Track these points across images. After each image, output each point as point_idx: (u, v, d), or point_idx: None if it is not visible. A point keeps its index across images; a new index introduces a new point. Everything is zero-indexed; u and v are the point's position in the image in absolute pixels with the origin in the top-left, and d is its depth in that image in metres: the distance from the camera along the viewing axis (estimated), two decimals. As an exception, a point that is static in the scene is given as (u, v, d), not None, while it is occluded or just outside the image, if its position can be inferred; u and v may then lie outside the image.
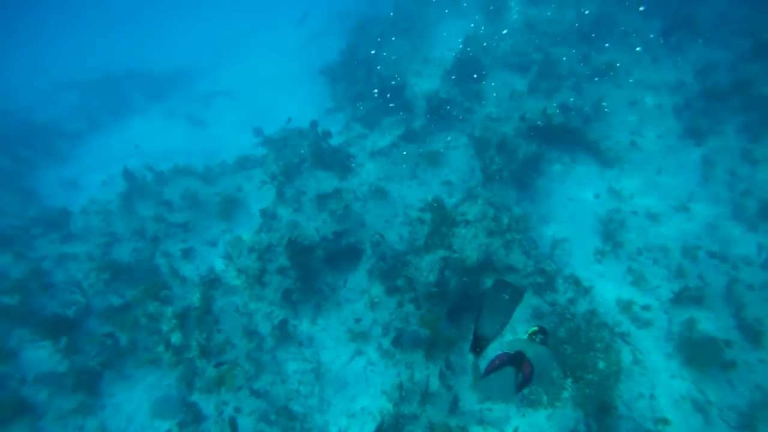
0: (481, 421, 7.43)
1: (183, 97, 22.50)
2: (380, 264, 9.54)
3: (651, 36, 14.95)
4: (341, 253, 10.09)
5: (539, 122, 11.76)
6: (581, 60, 14.24)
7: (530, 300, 8.77)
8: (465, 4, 18.31)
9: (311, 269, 9.76)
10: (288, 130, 13.36)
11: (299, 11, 23.26)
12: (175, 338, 9.05)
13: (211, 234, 11.55)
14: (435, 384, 7.86)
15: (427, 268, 8.86)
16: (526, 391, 7.43)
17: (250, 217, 11.81)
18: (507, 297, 5.34)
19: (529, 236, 9.75)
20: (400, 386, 7.88)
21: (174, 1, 41.48)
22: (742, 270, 9.12)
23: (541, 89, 13.52)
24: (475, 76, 14.60)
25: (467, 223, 9.33)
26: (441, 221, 9.52)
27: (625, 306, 8.75)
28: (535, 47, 14.82)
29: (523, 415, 7.50)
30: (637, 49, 13.60)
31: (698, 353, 7.78)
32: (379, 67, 16.28)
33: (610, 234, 10.23)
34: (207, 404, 8.24)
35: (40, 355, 9.44)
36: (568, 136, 12.12)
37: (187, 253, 11.05)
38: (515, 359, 5.06)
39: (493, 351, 5.38)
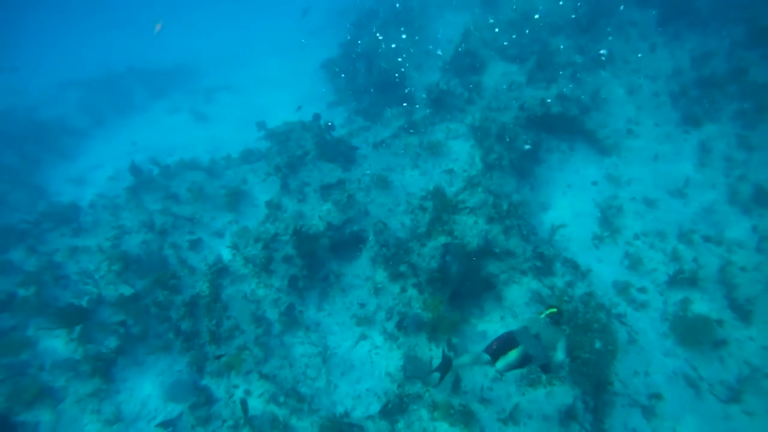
0: (483, 400, 7.71)
1: (186, 92, 22.74)
2: (383, 251, 9.81)
3: (648, 25, 15.08)
4: (345, 242, 10.37)
5: (538, 111, 11.97)
6: (579, 50, 14.41)
7: (530, 284, 9.03)
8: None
9: (316, 257, 10.04)
10: (291, 123, 13.59)
11: (300, 7, 23.38)
12: (185, 325, 9.37)
13: (218, 225, 11.83)
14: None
15: (429, 254, 9.14)
16: (525, 370, 7.73)
17: (256, 209, 12.09)
18: None
19: (528, 222, 10.01)
20: (404, 368, 8.17)
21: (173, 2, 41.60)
22: (735, 253, 9.37)
23: (540, 79, 13.70)
24: (476, 66, 14.80)
25: (468, 210, 9.59)
26: (442, 209, 9.78)
27: (622, 288, 9.01)
28: (533, 38, 14.99)
29: (523, 394, 7.78)
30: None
31: (692, 332, 8.05)
32: (379, 61, 16.48)
33: (608, 220, 10.48)
34: (218, 388, 8.56)
35: (56, 344, 9.77)
36: (566, 125, 12.34)
37: (195, 244, 11.33)
38: (506, 341, 5.50)
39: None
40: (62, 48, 37.04)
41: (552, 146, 12.27)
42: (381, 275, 9.64)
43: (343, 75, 17.53)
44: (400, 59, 16.56)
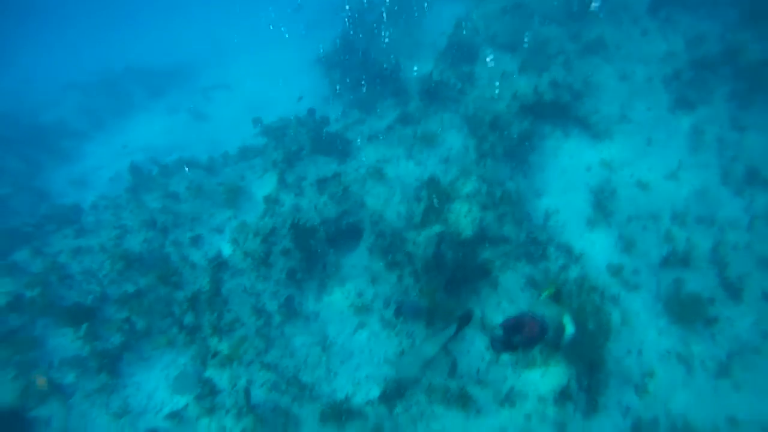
0: (479, 382, 7.89)
1: (183, 92, 22.92)
2: (380, 241, 9.97)
3: (640, 10, 15.09)
4: (342, 233, 10.53)
5: (531, 99, 12.06)
6: (571, 37, 14.44)
7: (524, 269, 9.18)
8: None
9: (314, 249, 10.21)
10: (286, 119, 13.74)
11: (293, 2, 23.48)
12: (188, 319, 9.57)
13: (217, 221, 12.01)
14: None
15: (424, 242, 9.29)
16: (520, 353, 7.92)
17: (254, 204, 12.25)
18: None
19: (522, 209, 10.14)
20: (402, 354, 8.35)
21: (168, 1, 41.69)
22: (727, 232, 9.47)
23: (532, 67, 13.75)
24: (469, 56, 14.86)
25: (461, 198, 9.72)
26: (437, 198, 9.92)
27: (616, 271, 9.15)
28: (525, 26, 15.03)
29: (519, 376, 7.95)
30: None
31: (684, 311, 8.20)
32: (373, 54, 16.57)
33: (602, 204, 10.59)
34: (221, 378, 8.76)
35: (63, 342, 9.99)
36: (559, 112, 12.41)
37: (195, 241, 11.52)
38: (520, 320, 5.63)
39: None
40: (60, 49, 37.25)
41: (545, 133, 12.36)
42: (378, 265, 9.80)
43: (337, 69, 17.62)
44: (393, 52, 16.64)
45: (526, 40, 14.48)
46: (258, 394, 8.32)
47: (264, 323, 9.22)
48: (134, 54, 27.82)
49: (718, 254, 8.96)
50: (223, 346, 9.02)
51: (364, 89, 15.43)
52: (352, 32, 18.43)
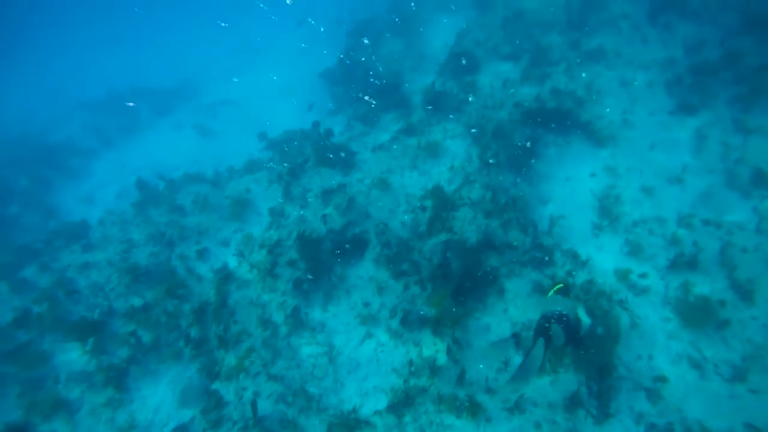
0: (488, 390, 7.79)
1: (189, 109, 23.23)
2: (385, 251, 9.96)
3: (640, 17, 15.20)
4: (348, 244, 10.52)
5: (533, 107, 12.12)
6: (572, 46, 14.56)
7: (531, 275, 9.12)
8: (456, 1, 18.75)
9: (320, 260, 10.21)
10: (291, 132, 13.87)
11: (295, 19, 23.86)
12: (194, 332, 9.57)
13: (224, 234, 12.08)
14: (442, 359, 8.25)
15: (430, 251, 9.30)
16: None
17: (260, 217, 12.32)
18: None
19: (527, 215, 10.11)
20: (410, 363, 8.28)
21: (172, 20, 42.54)
22: (735, 234, 9.37)
23: (534, 76, 13.85)
24: (468, 67, 14.99)
25: (466, 206, 9.72)
26: (441, 206, 9.94)
27: (623, 275, 9.06)
28: (525, 36, 15.18)
29: (528, 383, 7.84)
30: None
31: (694, 314, 8.08)
32: (376, 67, 16.75)
33: (607, 209, 10.54)
34: (227, 391, 8.72)
35: (71, 357, 10.03)
36: (562, 119, 12.43)
37: (202, 254, 11.58)
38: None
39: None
40: (67, 68, 37.95)
41: (549, 141, 12.37)
42: (384, 274, 9.77)
43: (340, 83, 17.82)
44: (395, 64, 16.82)
45: (527, 49, 14.60)
46: (265, 406, 8.25)
47: (271, 334, 9.19)
48: (139, 73, 28.31)
49: (727, 256, 8.85)
50: (230, 358, 8.99)
51: (368, 102, 15.57)
52: (354, 47, 18.67)
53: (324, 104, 18.16)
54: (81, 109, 24.25)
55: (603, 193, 10.86)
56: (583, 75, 13.52)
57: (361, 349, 8.99)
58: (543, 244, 9.27)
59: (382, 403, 8.10)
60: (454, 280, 9.08)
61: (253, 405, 8.06)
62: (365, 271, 10.18)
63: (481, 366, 8.04)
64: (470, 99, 13.83)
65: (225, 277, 10.27)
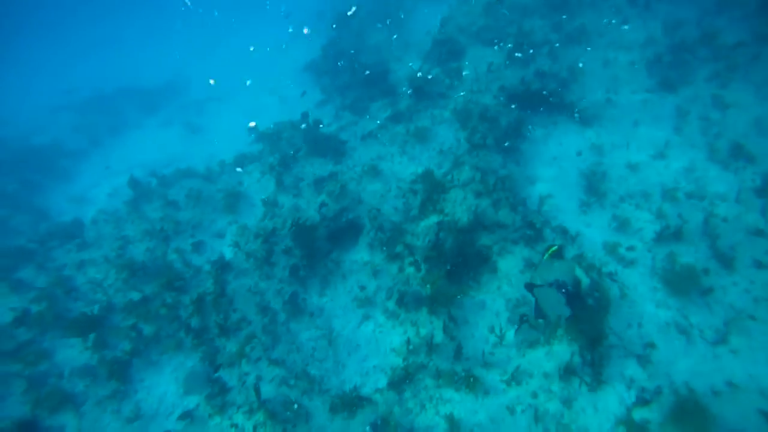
0: (485, 364, 8.04)
1: (176, 107, 23.16)
2: (379, 235, 10.15)
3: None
4: (342, 230, 10.70)
5: (518, 90, 12.34)
6: (554, 28, 14.78)
7: (522, 252, 9.36)
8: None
9: (315, 247, 10.38)
10: (281, 123, 13.95)
11: (279, 13, 23.80)
12: (195, 322, 9.70)
13: (218, 227, 12.18)
14: (439, 336, 8.48)
15: (422, 233, 9.49)
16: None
17: (254, 208, 12.44)
18: None
19: (517, 195, 10.34)
20: (408, 342, 8.50)
21: (153, 19, 42.08)
22: (717, 205, 9.71)
23: (518, 59, 14.06)
24: (452, 53, 15.16)
25: (456, 187, 9.93)
26: (432, 189, 10.13)
27: (611, 248, 9.34)
28: (507, 21, 15.37)
29: (524, 355, 8.10)
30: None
31: (680, 283, 8.38)
32: (361, 57, 16.85)
33: (594, 186, 10.82)
34: (230, 377, 8.88)
35: (72, 353, 10.11)
36: (547, 100, 12.69)
37: (198, 246, 11.68)
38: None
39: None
40: (51, 71, 37.44)
41: (535, 122, 12.62)
42: (378, 257, 9.97)
43: (327, 74, 17.90)
44: (381, 54, 16.93)
45: (510, 33, 14.79)
46: (268, 389, 8.42)
47: (270, 320, 9.36)
48: (124, 73, 28.07)
49: (710, 227, 9.18)
50: (231, 345, 9.14)
51: (355, 92, 15.69)
52: (338, 38, 18.73)
53: (312, 95, 18.21)
54: (68, 111, 24.05)
55: (589, 170, 11.13)
56: (566, 57, 13.76)
57: (360, 330, 9.20)
58: (533, 222, 9.50)
59: (382, 381, 8.31)
60: (447, 260, 9.29)
61: (256, 389, 8.23)
62: (360, 255, 10.37)
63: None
64: (456, 84, 14.02)
65: (222, 266, 10.40)
